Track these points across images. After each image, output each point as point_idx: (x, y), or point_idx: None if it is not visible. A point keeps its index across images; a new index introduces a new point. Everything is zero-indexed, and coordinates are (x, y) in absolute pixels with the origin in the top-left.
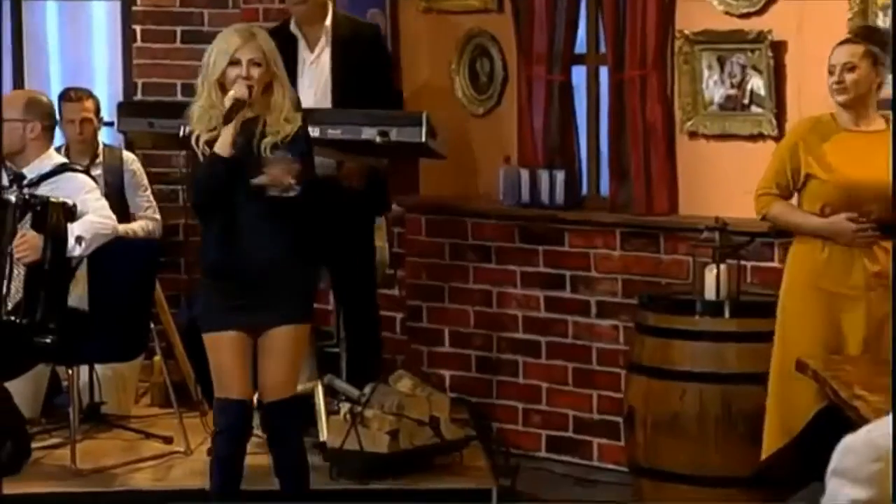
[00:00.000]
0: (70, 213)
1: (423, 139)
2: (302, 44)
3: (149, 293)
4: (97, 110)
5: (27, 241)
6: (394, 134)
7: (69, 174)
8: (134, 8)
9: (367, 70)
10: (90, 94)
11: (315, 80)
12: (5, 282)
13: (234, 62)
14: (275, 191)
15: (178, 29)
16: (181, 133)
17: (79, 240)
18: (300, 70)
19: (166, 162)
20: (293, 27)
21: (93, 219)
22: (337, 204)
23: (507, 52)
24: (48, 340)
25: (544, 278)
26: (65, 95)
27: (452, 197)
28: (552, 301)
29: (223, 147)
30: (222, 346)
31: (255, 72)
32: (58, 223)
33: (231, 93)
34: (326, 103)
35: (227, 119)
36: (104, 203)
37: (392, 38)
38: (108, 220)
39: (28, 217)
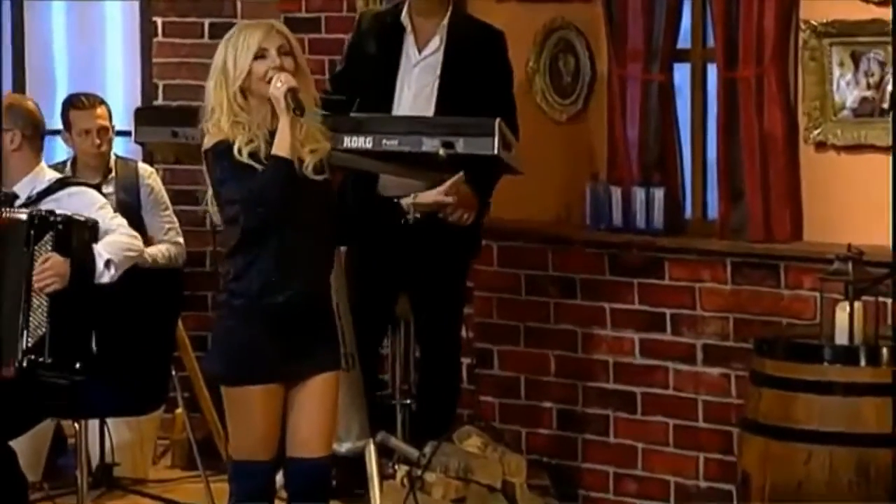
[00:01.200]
0: (95, 233)
1: (496, 151)
2: (410, 38)
3: (170, 333)
4: (109, 118)
5: (52, 267)
6: (460, 145)
7: (73, 189)
8: None
9: (484, 81)
10: (102, 101)
11: (417, 83)
12: (21, 315)
13: (259, 56)
14: (441, 214)
15: (206, 21)
16: (203, 146)
17: (108, 265)
18: (402, 68)
19: (191, 178)
20: (404, 17)
21: (118, 238)
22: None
23: (596, 46)
24: (64, 382)
25: (640, 317)
26: (74, 102)
27: (529, 220)
28: (649, 344)
29: (283, 147)
30: (253, 402)
31: (288, 62)
32: (84, 245)
33: (277, 85)
34: (426, 112)
35: (290, 110)
36: (122, 220)
37: None
38: (134, 239)
39: (48, 238)
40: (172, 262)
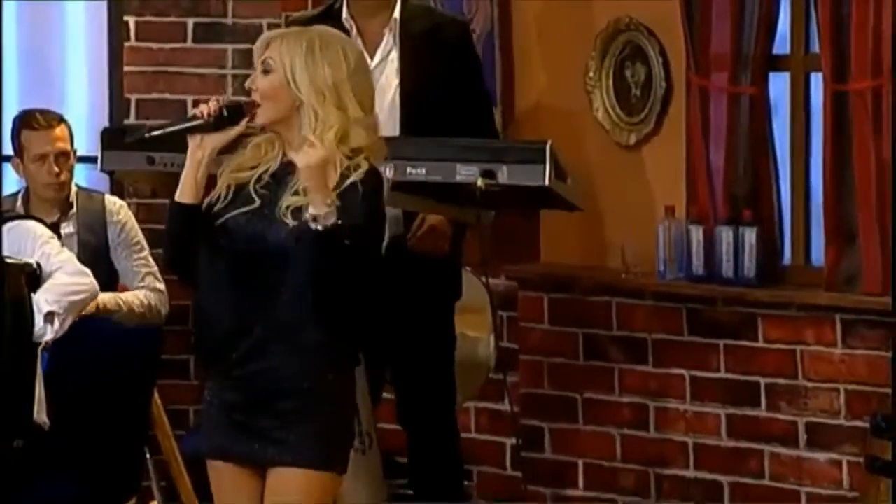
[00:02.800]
0: (34, 279)
1: (547, 181)
2: (357, 44)
3: (143, 406)
4: (71, 140)
5: None
6: (503, 174)
7: (10, 224)
8: None
9: (452, 81)
10: (62, 119)
11: (377, 100)
12: None
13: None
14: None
15: (190, 21)
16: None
17: (49, 318)
18: None
19: None
20: (346, 18)
21: (58, 280)
22: (400, 279)
23: (672, 52)
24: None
25: (727, 388)
26: (27, 120)
27: (588, 267)
28: (740, 422)
29: (183, 190)
30: (221, 484)
31: (261, 81)
32: (19, 297)
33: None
34: (390, 129)
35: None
36: (69, 255)
37: (501, 32)
38: (80, 276)
39: None
40: (152, 312)
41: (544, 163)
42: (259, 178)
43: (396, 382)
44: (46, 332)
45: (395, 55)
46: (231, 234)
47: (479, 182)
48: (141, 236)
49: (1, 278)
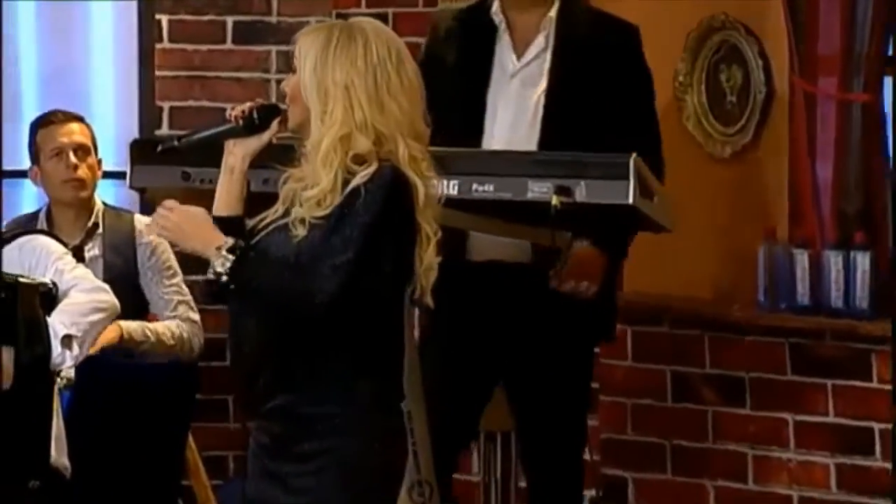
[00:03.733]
0: (50, 300)
1: (632, 200)
2: (505, 40)
3: (176, 451)
4: (96, 148)
5: None
6: (581, 191)
7: (21, 240)
8: None
9: (612, 97)
10: (82, 119)
11: (517, 101)
12: None
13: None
14: None
15: (230, 20)
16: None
17: (67, 342)
18: (494, 81)
19: None
20: (496, 11)
21: (74, 300)
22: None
23: (773, 53)
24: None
25: (836, 434)
26: (41, 120)
27: (678, 296)
28: (850, 473)
29: (219, 202)
30: None
31: (288, 82)
32: (32, 319)
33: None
34: (529, 141)
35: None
36: (84, 271)
37: None
38: (98, 293)
39: None
40: (184, 345)
41: (628, 178)
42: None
43: (522, 425)
44: (65, 359)
45: (547, 57)
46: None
47: (555, 200)
48: (174, 261)
49: (12, 300)
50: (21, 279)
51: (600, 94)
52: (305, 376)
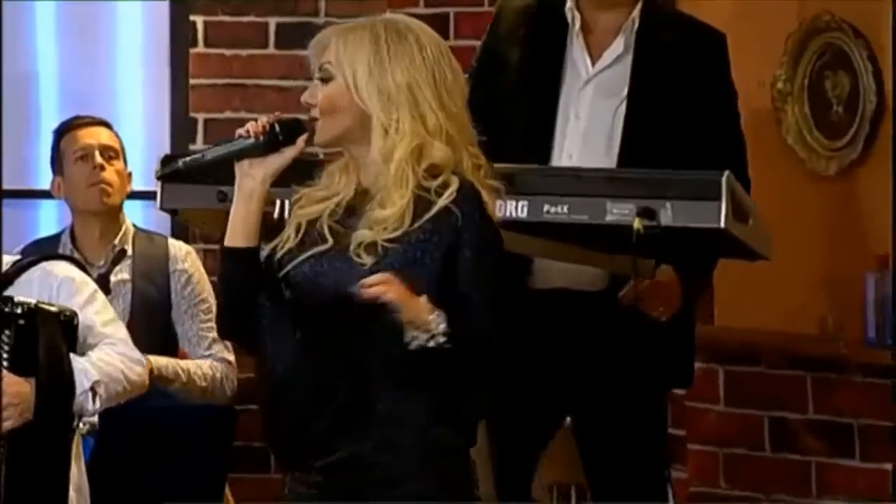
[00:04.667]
0: (72, 331)
1: (724, 223)
2: (579, 42)
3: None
4: (125, 157)
5: (7, 392)
6: (667, 213)
7: (45, 266)
8: None
9: (698, 107)
10: (109, 125)
11: (592, 111)
12: None
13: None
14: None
15: (273, 21)
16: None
17: (95, 390)
18: (566, 87)
19: None
20: (570, 8)
21: (107, 353)
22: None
23: (885, 58)
24: None
25: None
26: (65, 126)
27: (775, 332)
28: None
29: (234, 232)
30: None
31: (319, 92)
32: (53, 349)
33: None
34: (606, 156)
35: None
36: (123, 330)
37: None
38: (136, 365)
39: (2, 341)
40: (217, 388)
41: (720, 199)
42: (332, 212)
43: (593, 475)
44: (86, 404)
45: (627, 64)
46: (298, 285)
47: (637, 223)
48: (210, 293)
49: (32, 326)
50: (41, 305)
51: (685, 107)
52: (383, 421)
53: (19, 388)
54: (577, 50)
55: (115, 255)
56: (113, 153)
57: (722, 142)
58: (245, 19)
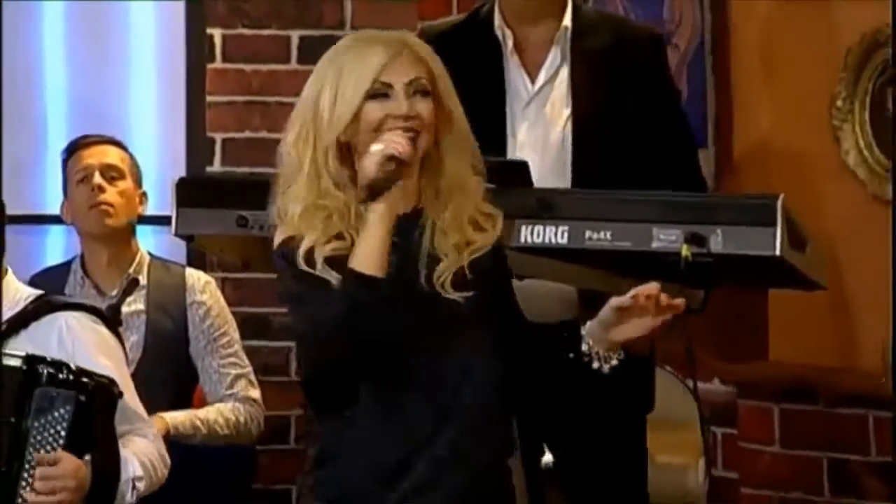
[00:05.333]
0: (114, 407)
1: (779, 250)
2: (514, 60)
3: None
4: (135, 176)
5: (64, 475)
6: (717, 240)
7: (65, 322)
8: None
9: (642, 118)
10: (119, 144)
11: (538, 131)
12: None
13: (377, 93)
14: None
15: (295, 35)
16: (276, 241)
17: (135, 484)
18: (510, 111)
19: (267, 295)
20: (499, 26)
21: (147, 447)
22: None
23: None
24: None
25: None
26: (73, 147)
27: (835, 368)
28: None
29: (369, 257)
30: None
31: (422, 106)
32: (108, 433)
33: (377, 147)
34: (559, 175)
35: (374, 193)
36: (153, 426)
37: (716, 48)
38: (160, 463)
39: (60, 416)
40: (242, 431)
41: (774, 225)
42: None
43: None
44: (127, 495)
45: (564, 76)
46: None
47: (685, 251)
48: (231, 326)
49: (91, 403)
50: (98, 378)
51: (631, 114)
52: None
53: (79, 471)
54: (513, 69)
55: (128, 284)
56: (116, 173)
57: (672, 147)
58: (266, 32)
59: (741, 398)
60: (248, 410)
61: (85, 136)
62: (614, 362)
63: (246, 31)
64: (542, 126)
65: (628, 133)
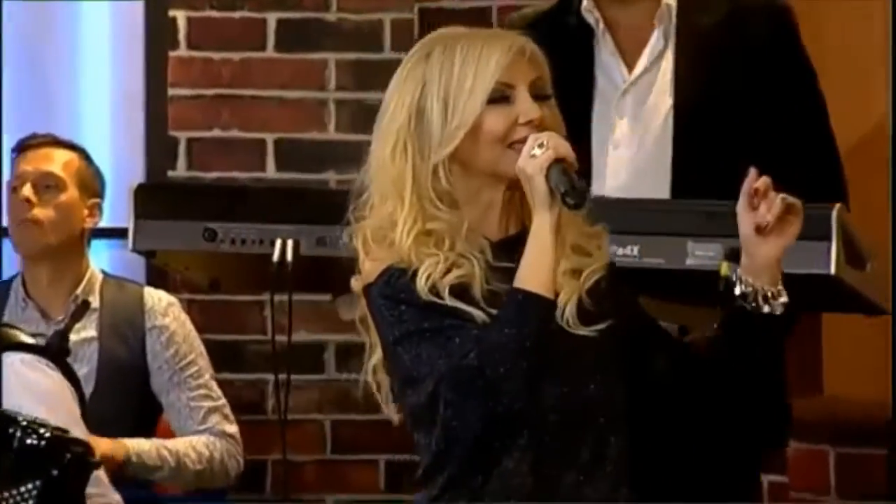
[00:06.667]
0: (87, 479)
1: (834, 269)
2: (607, 46)
3: None
4: (84, 185)
5: None
6: None
7: (15, 367)
8: None
9: (767, 104)
10: (68, 145)
11: (635, 124)
12: None
13: (497, 97)
14: None
15: (272, 17)
16: (370, 271)
17: None
18: (598, 101)
19: (238, 318)
20: (588, 9)
21: None
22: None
23: None
24: None
25: None
26: (18, 148)
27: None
28: None
29: (537, 272)
30: None
31: (547, 111)
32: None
33: (534, 152)
34: (657, 187)
35: (570, 197)
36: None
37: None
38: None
39: (22, 491)
40: (215, 472)
41: (829, 239)
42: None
43: None
44: None
45: (668, 61)
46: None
47: (724, 269)
48: (200, 353)
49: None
50: (74, 447)
51: (750, 105)
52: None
53: None
54: (606, 56)
55: (77, 307)
56: (54, 182)
57: (806, 148)
58: (237, 15)
59: (792, 440)
60: (224, 447)
61: (32, 136)
62: (783, 299)
63: (214, 14)
64: (641, 121)
65: (745, 127)
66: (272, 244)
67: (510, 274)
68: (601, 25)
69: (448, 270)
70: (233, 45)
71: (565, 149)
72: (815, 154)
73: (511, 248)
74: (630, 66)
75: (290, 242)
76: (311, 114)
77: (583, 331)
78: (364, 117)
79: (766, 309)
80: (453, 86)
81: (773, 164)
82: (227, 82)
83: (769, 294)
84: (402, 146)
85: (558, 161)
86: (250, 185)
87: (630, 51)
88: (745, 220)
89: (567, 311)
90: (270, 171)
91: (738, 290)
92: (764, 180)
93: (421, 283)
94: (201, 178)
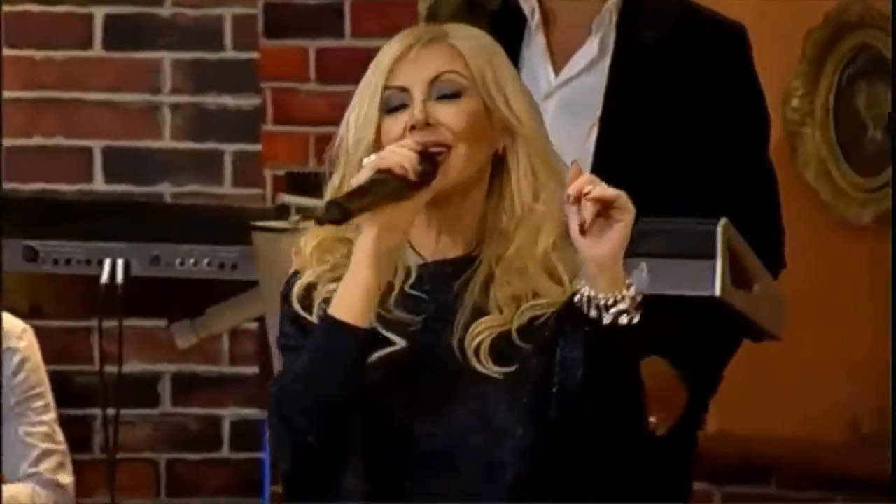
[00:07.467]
0: None
1: (719, 290)
2: (537, 44)
3: None
4: None
5: None
6: (640, 276)
7: None
8: None
9: (706, 137)
10: None
11: (554, 138)
12: None
13: (394, 104)
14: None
15: (99, 12)
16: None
17: None
18: None
19: (69, 348)
20: (524, 1)
21: None
22: None
23: None
24: None
25: None
26: None
27: (789, 440)
28: None
29: (345, 301)
30: None
31: (450, 112)
32: None
33: (369, 159)
34: None
35: (347, 215)
36: None
37: None
38: None
39: None
40: None
41: (714, 256)
42: (398, 296)
43: None
44: None
45: (603, 69)
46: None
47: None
48: (48, 388)
49: None
50: None
51: (686, 129)
52: None
53: None
54: (535, 54)
55: None
56: None
57: (742, 178)
58: (61, 9)
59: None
60: (52, 499)
61: None
62: (622, 306)
63: (34, 8)
64: (561, 129)
65: (679, 153)
66: (100, 264)
67: (424, 302)
68: (536, 17)
69: (335, 280)
70: (55, 43)
71: (394, 160)
72: (754, 185)
73: (442, 272)
74: (557, 70)
75: (119, 262)
76: (144, 119)
77: (488, 369)
78: (202, 123)
79: (607, 319)
80: (357, 97)
81: (701, 190)
82: (49, 84)
83: (604, 302)
84: (341, 159)
85: (382, 172)
86: (75, 199)
87: (560, 52)
88: (570, 221)
89: (481, 338)
90: (98, 183)
91: (575, 299)
92: (576, 185)
93: (295, 289)
94: (20, 190)
